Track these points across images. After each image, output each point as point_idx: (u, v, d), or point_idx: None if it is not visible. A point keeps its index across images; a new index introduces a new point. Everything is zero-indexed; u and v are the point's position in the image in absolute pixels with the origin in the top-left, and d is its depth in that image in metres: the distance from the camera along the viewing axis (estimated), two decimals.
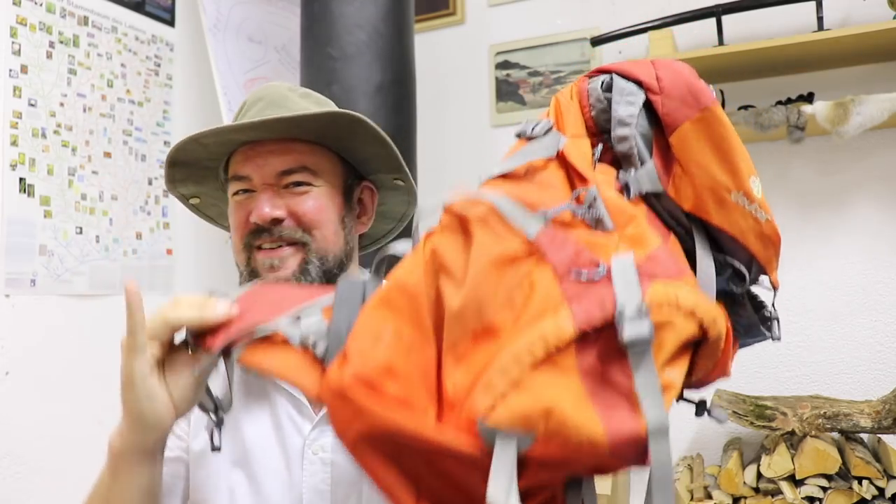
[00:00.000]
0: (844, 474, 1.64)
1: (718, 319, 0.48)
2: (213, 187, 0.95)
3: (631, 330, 0.43)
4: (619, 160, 0.59)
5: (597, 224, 0.52)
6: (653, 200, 0.58)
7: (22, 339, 1.80)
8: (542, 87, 2.41)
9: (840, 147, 1.99)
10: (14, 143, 1.80)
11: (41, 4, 1.90)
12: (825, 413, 1.70)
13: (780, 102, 1.99)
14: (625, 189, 0.57)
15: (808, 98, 1.97)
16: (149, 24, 2.23)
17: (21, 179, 1.81)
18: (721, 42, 1.97)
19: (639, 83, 0.58)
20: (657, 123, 0.58)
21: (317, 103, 0.90)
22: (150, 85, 2.22)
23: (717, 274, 0.58)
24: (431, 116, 2.44)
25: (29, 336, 1.82)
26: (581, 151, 0.57)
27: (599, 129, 0.61)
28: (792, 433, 1.72)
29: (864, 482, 1.59)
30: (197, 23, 2.27)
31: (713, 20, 1.98)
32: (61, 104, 1.94)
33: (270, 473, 0.83)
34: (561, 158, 0.56)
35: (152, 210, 2.19)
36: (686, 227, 0.59)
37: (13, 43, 1.82)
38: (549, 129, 0.58)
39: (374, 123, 0.85)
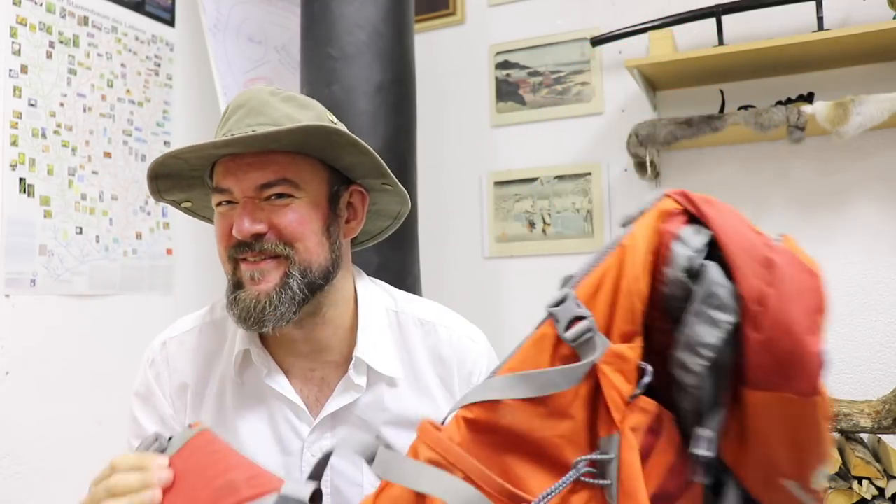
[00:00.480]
0: (844, 474, 1.64)
1: None
2: (201, 192, 0.94)
3: None
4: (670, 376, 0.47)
5: (604, 492, 0.43)
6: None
7: (22, 339, 1.80)
8: (542, 87, 2.41)
9: (840, 147, 1.99)
10: (14, 143, 1.80)
11: (41, 4, 1.90)
12: None
13: (780, 102, 1.99)
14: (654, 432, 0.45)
15: (808, 98, 1.97)
16: (149, 24, 2.23)
17: (21, 179, 1.81)
18: (721, 42, 1.97)
19: (738, 294, 0.42)
20: (740, 351, 0.44)
21: (300, 107, 0.87)
22: (150, 85, 2.22)
23: None
24: (431, 116, 2.44)
25: (29, 336, 1.82)
26: (621, 373, 0.44)
27: (668, 309, 0.46)
28: None
29: (864, 482, 1.59)
30: (197, 23, 2.27)
31: (713, 20, 1.98)
32: (61, 104, 1.94)
33: None
34: (592, 373, 0.44)
35: (152, 210, 2.19)
36: (717, 474, 0.48)
37: (13, 43, 1.82)
38: (588, 340, 0.44)
39: (351, 133, 0.83)
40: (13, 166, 1.80)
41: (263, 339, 0.90)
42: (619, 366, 0.44)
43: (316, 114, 0.88)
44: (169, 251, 2.23)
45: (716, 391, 0.44)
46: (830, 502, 1.60)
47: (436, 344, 0.92)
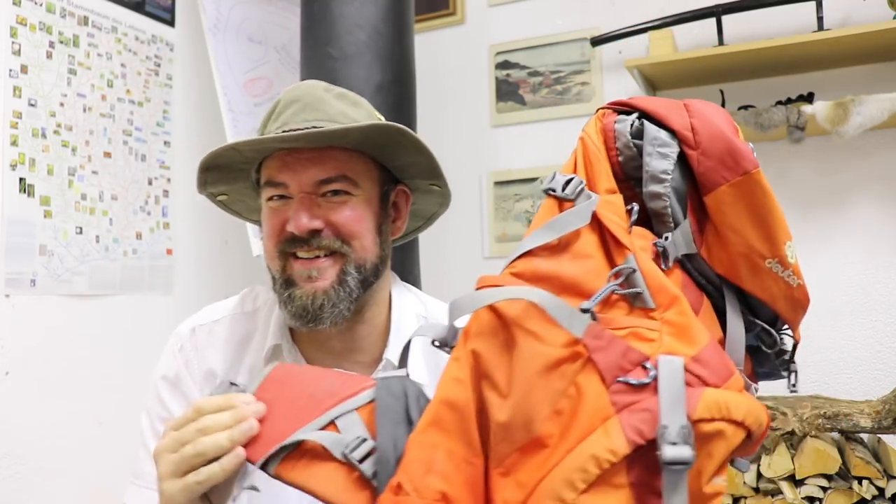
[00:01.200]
0: (844, 474, 1.64)
1: (763, 419, 0.48)
2: (242, 186, 0.93)
3: (671, 452, 0.43)
4: (649, 215, 0.57)
5: (636, 299, 0.51)
6: (685, 261, 0.57)
7: (22, 339, 1.80)
8: (542, 87, 2.41)
9: (840, 147, 1.99)
10: (14, 143, 1.80)
11: (41, 4, 1.90)
12: (825, 413, 1.70)
13: (780, 102, 1.99)
14: (662, 255, 0.55)
15: (808, 98, 1.97)
16: (149, 24, 2.23)
17: (21, 179, 1.81)
18: (721, 42, 1.97)
19: (672, 132, 0.55)
20: (690, 177, 0.56)
21: (353, 105, 0.88)
22: (150, 85, 2.22)
23: (746, 331, 0.58)
24: (431, 116, 2.44)
25: (29, 336, 1.81)
26: (616, 214, 0.54)
27: (627, 175, 0.58)
28: (792, 433, 1.72)
29: (864, 482, 1.59)
30: (197, 23, 2.27)
31: (713, 20, 1.98)
32: (61, 104, 1.94)
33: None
34: (595, 220, 0.54)
35: (152, 210, 2.19)
36: (717, 286, 0.58)
37: (13, 43, 1.82)
38: (581, 190, 0.55)
39: (414, 134, 0.84)
40: (13, 166, 1.80)
41: (294, 335, 0.89)
42: (612, 209, 0.54)
43: (367, 111, 0.88)
44: (169, 251, 2.23)
45: (682, 206, 0.56)
46: (830, 502, 1.60)
47: None
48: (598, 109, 0.60)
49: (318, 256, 0.82)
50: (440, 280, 2.36)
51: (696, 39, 2.13)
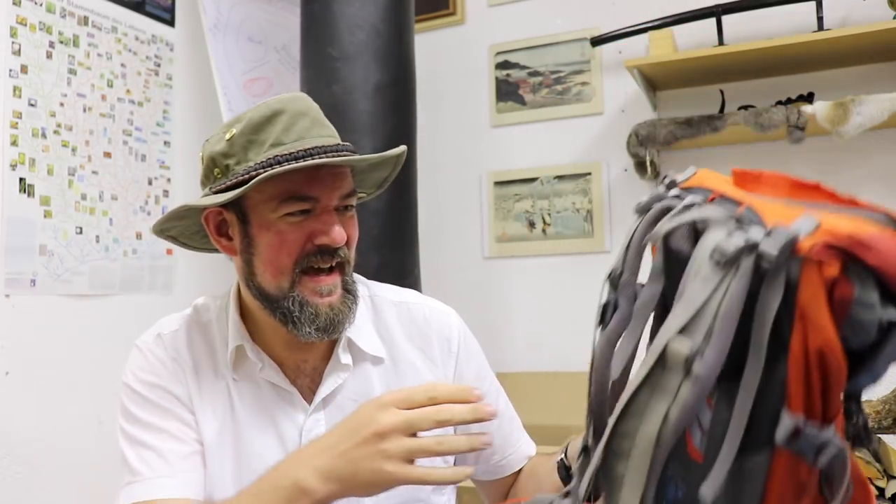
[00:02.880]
0: None
1: None
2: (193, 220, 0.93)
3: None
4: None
5: None
6: None
7: (22, 339, 1.80)
8: (542, 87, 2.41)
9: (840, 147, 1.99)
10: (14, 143, 1.80)
11: (41, 4, 1.90)
12: None
13: (780, 102, 1.99)
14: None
15: (808, 98, 1.97)
16: (149, 24, 2.23)
17: (21, 179, 1.81)
18: (721, 42, 1.97)
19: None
20: None
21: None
22: (150, 85, 2.22)
23: None
24: (431, 116, 2.44)
25: (29, 336, 1.82)
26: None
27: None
28: None
29: None
30: (197, 23, 2.27)
31: (713, 20, 1.98)
32: (61, 104, 1.94)
33: (268, 465, 0.84)
34: None
35: (152, 210, 2.19)
36: None
37: (13, 43, 1.82)
38: (838, 458, 0.44)
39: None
40: (13, 166, 1.80)
41: (252, 335, 0.91)
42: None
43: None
44: (169, 251, 2.23)
45: None
46: None
47: (411, 321, 0.97)
48: (814, 260, 0.44)
49: (331, 269, 0.85)
50: (440, 280, 2.36)
51: (696, 39, 2.13)
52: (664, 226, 0.50)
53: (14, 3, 1.82)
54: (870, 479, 1.59)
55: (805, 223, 0.45)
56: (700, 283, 0.47)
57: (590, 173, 2.30)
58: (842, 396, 0.45)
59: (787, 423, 0.43)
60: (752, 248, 0.45)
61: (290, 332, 0.85)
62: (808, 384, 0.44)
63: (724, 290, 0.46)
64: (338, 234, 0.83)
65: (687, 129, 1.95)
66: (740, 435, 0.45)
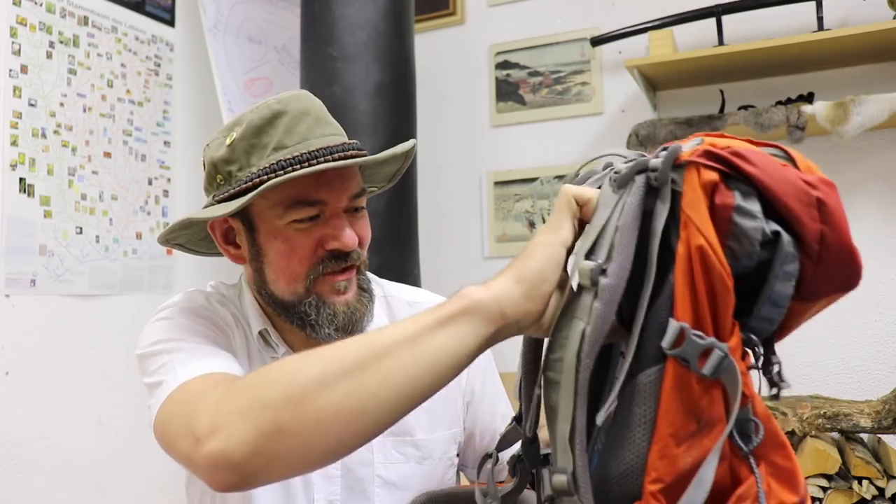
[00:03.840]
0: (844, 474, 1.64)
1: None
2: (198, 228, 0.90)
3: None
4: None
5: None
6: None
7: (22, 339, 1.80)
8: (542, 87, 2.41)
9: (840, 147, 1.99)
10: (14, 143, 1.80)
11: (41, 4, 1.90)
12: (825, 413, 1.70)
13: (780, 102, 1.99)
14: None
15: (808, 98, 1.97)
16: (149, 24, 2.23)
17: (21, 179, 1.81)
18: (721, 42, 1.97)
19: (797, 237, 0.45)
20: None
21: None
22: (150, 85, 2.22)
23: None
24: (431, 116, 2.44)
25: (29, 336, 1.82)
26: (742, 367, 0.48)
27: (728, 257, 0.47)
28: (792, 433, 1.72)
29: (864, 482, 1.59)
30: (197, 23, 2.27)
31: (713, 20, 1.98)
32: (61, 104, 1.94)
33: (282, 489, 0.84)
34: None
35: (152, 210, 2.19)
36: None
37: (13, 43, 1.82)
38: (727, 366, 0.46)
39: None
40: (13, 166, 1.80)
41: (274, 322, 0.89)
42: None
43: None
44: (169, 251, 2.23)
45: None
46: (830, 502, 1.60)
47: None
48: (688, 161, 0.48)
49: (346, 269, 0.84)
50: (440, 280, 2.36)
51: (696, 39, 2.13)
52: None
53: (14, 3, 1.82)
54: (870, 479, 1.59)
55: (693, 142, 0.50)
56: (602, 209, 0.51)
57: None
58: (734, 318, 0.46)
59: (672, 328, 0.45)
60: (643, 166, 0.47)
61: (309, 336, 0.83)
62: (694, 290, 0.46)
63: (621, 207, 0.49)
64: (349, 237, 0.80)
65: (687, 130, 1.95)
66: (632, 351, 0.48)
